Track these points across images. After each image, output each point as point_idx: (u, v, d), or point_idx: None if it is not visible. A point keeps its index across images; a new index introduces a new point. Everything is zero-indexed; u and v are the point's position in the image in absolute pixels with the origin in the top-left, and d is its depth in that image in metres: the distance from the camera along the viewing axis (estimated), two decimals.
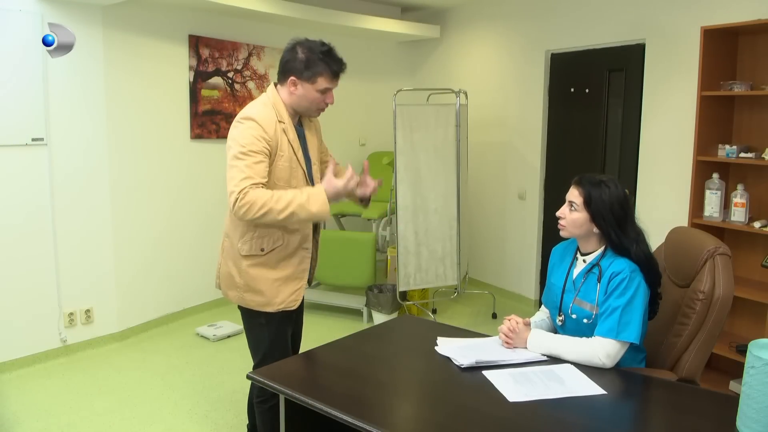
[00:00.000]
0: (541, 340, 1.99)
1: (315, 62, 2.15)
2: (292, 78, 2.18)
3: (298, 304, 2.29)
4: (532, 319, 2.23)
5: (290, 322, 2.35)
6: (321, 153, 2.45)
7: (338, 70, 2.20)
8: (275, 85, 2.26)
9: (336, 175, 2.23)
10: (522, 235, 4.99)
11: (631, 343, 1.92)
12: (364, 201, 2.36)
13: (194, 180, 4.54)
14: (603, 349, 1.89)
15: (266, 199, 2.02)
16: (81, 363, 3.75)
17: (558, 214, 2.06)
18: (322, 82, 2.17)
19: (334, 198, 2.13)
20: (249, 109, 2.19)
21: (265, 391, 2.22)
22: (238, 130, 2.14)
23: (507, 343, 2.03)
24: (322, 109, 2.27)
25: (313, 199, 2.07)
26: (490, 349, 2.01)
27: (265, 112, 2.16)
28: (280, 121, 2.18)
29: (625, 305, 1.91)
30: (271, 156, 2.14)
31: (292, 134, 2.21)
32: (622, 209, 2.00)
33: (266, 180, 2.11)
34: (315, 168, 2.36)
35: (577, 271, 2.10)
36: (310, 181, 2.29)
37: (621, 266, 1.96)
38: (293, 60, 2.17)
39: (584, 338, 1.96)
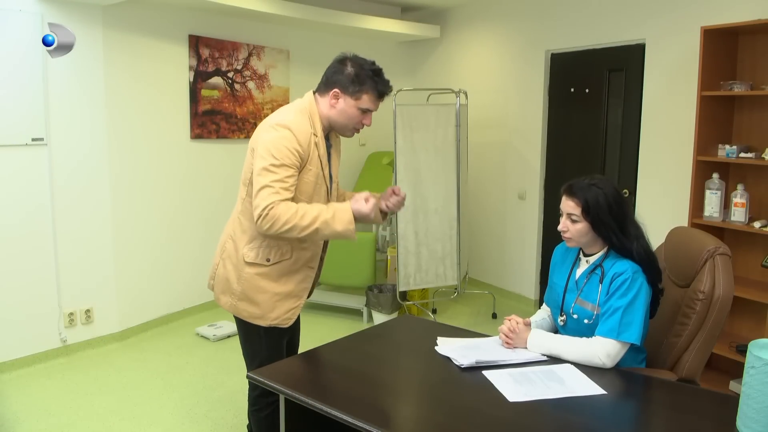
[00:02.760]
0: (541, 340, 1.99)
1: (364, 79, 2.08)
2: (336, 90, 2.09)
3: (291, 322, 2.20)
4: (533, 318, 2.23)
5: (287, 333, 2.26)
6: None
7: (384, 92, 2.12)
8: (314, 93, 2.17)
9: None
10: (522, 235, 4.99)
11: (632, 344, 1.92)
12: (384, 214, 2.25)
13: (194, 180, 4.53)
14: (603, 349, 1.89)
15: (291, 214, 1.96)
16: (81, 363, 3.75)
17: (560, 228, 2.05)
18: (366, 101, 2.10)
19: (359, 219, 2.04)
20: (285, 116, 2.09)
21: (260, 399, 2.20)
22: (271, 136, 2.03)
23: (507, 343, 2.03)
24: (358, 130, 2.19)
25: (339, 216, 1.99)
26: (490, 349, 2.00)
27: (301, 123, 2.07)
28: (313, 134, 2.09)
29: (627, 306, 1.90)
30: (300, 168, 2.06)
31: (323, 149, 2.13)
32: (620, 208, 1.99)
33: (293, 194, 2.03)
34: (335, 186, 2.30)
35: (580, 272, 2.10)
36: (330, 199, 2.23)
37: (623, 267, 1.96)
38: (340, 72, 2.09)
39: (584, 338, 1.96)
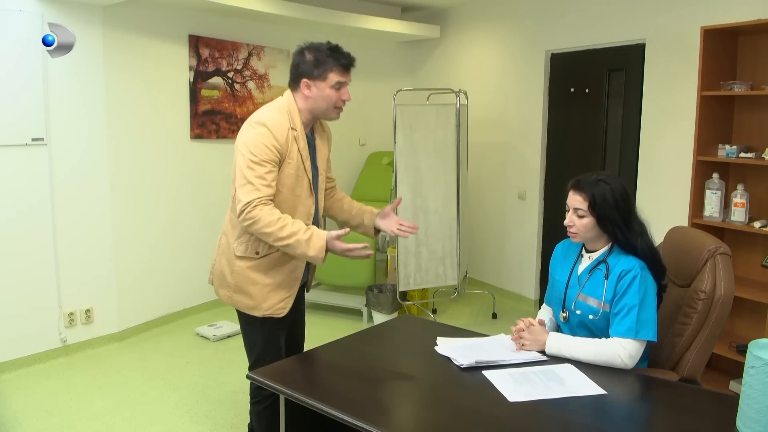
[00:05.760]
0: (560, 343, 1.97)
1: (323, 60, 2.16)
2: (305, 80, 2.18)
3: (285, 312, 2.25)
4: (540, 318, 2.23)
5: (284, 326, 2.32)
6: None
7: (348, 63, 2.20)
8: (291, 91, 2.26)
9: (352, 217, 2.39)
10: (522, 235, 4.99)
11: (649, 341, 1.92)
12: (376, 233, 2.43)
13: (194, 180, 4.53)
14: (625, 350, 1.89)
15: (271, 220, 2.04)
16: (81, 363, 3.75)
17: (566, 223, 2.05)
18: (333, 77, 2.17)
19: (331, 251, 2.11)
20: (263, 114, 2.18)
21: (260, 391, 2.23)
22: (250, 134, 2.13)
23: (521, 345, 2.00)
24: (340, 108, 2.25)
25: (313, 243, 2.06)
26: (490, 349, 2.00)
27: (278, 118, 2.15)
28: (292, 128, 2.16)
29: (641, 303, 1.91)
30: (280, 163, 2.13)
31: (303, 143, 2.20)
32: (626, 203, 2.01)
33: (274, 190, 2.11)
34: (321, 178, 2.34)
35: (582, 267, 2.10)
36: (314, 190, 2.28)
37: (630, 264, 1.96)
38: (303, 62, 2.18)
39: (603, 339, 1.95)
